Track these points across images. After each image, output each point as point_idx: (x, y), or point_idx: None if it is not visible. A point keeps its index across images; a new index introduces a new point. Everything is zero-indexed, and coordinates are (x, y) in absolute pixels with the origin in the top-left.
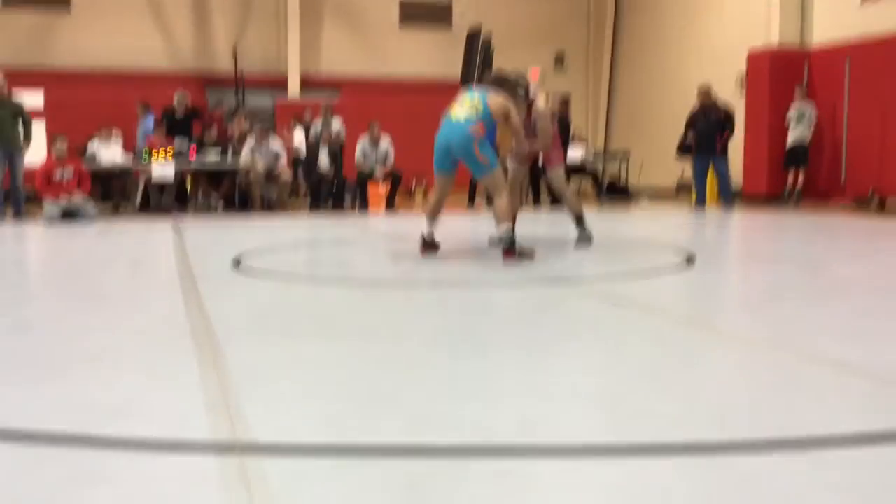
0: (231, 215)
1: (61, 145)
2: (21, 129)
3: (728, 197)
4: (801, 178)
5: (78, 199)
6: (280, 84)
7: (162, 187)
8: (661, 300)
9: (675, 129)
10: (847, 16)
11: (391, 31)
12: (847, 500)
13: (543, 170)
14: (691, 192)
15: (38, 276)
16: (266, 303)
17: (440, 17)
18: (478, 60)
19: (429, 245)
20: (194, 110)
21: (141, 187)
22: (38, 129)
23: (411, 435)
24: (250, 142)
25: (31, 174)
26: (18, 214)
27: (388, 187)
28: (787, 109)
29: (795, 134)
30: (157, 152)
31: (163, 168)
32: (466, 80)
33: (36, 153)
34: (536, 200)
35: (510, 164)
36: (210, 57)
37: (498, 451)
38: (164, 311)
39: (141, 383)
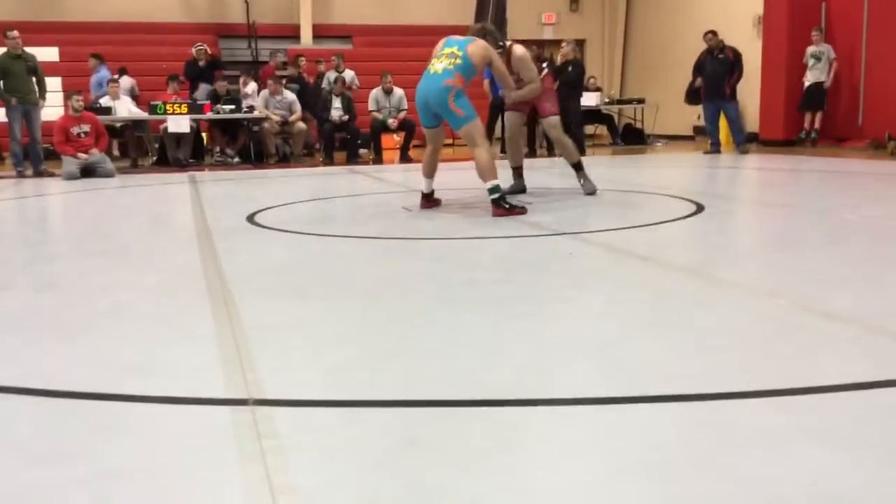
0: (246, 169)
1: (77, 101)
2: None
3: (740, 141)
4: (817, 121)
5: (96, 155)
6: (293, 33)
7: (178, 141)
8: (663, 250)
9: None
10: None
11: None
12: (818, 442)
13: (537, 119)
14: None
15: (59, 234)
16: (279, 258)
17: None
18: (492, 5)
19: (429, 199)
20: (215, 60)
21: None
22: (54, 85)
23: (412, 388)
24: (264, 93)
25: (47, 130)
26: (38, 171)
27: (402, 137)
28: (804, 51)
29: (813, 75)
30: (173, 105)
31: (178, 120)
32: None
33: (52, 110)
34: (531, 151)
35: (507, 116)
36: (222, 7)
37: (493, 402)
38: (182, 267)
39: (160, 339)
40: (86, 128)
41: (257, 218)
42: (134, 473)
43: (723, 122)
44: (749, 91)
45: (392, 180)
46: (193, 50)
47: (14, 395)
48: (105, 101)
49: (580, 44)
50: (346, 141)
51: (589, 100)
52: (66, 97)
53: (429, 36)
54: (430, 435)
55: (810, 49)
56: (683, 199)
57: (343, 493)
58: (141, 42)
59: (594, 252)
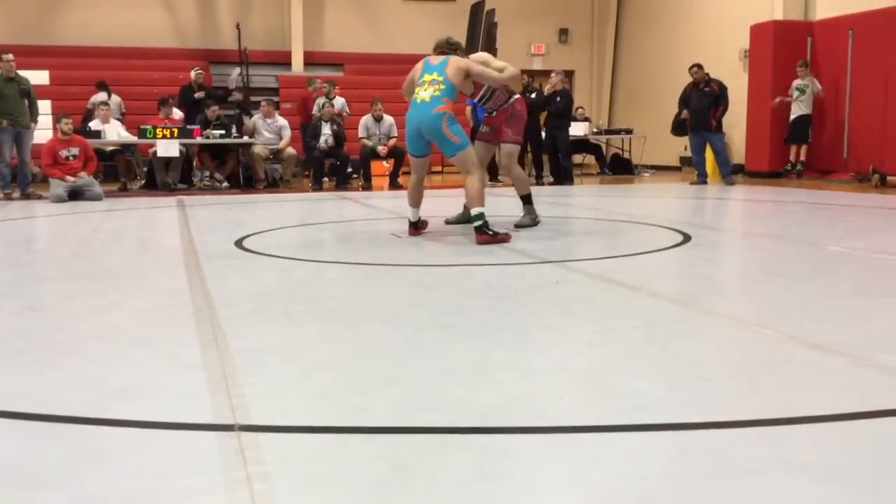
0: (235, 193)
1: (67, 125)
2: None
3: (727, 173)
4: (803, 153)
5: (84, 178)
6: (284, 60)
7: (167, 165)
8: (651, 279)
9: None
10: None
11: (395, 5)
12: (804, 473)
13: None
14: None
15: (47, 256)
16: (267, 282)
17: None
18: (482, 35)
19: (416, 227)
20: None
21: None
22: (44, 108)
23: (400, 414)
24: (256, 116)
25: (36, 152)
26: (26, 193)
27: (392, 164)
28: (789, 84)
29: (797, 108)
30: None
31: (167, 145)
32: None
33: (41, 132)
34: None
35: (477, 144)
36: (214, 33)
37: (480, 430)
38: (169, 291)
39: (146, 363)
40: (75, 151)
41: (246, 242)
42: (117, 500)
43: (709, 154)
44: (735, 123)
45: (381, 206)
46: (193, 73)
47: None
48: (95, 125)
49: (569, 74)
50: (335, 167)
51: (577, 129)
52: (56, 120)
53: None
54: (417, 462)
55: (795, 82)
56: (670, 228)
57: None
58: (132, 67)
59: (581, 280)
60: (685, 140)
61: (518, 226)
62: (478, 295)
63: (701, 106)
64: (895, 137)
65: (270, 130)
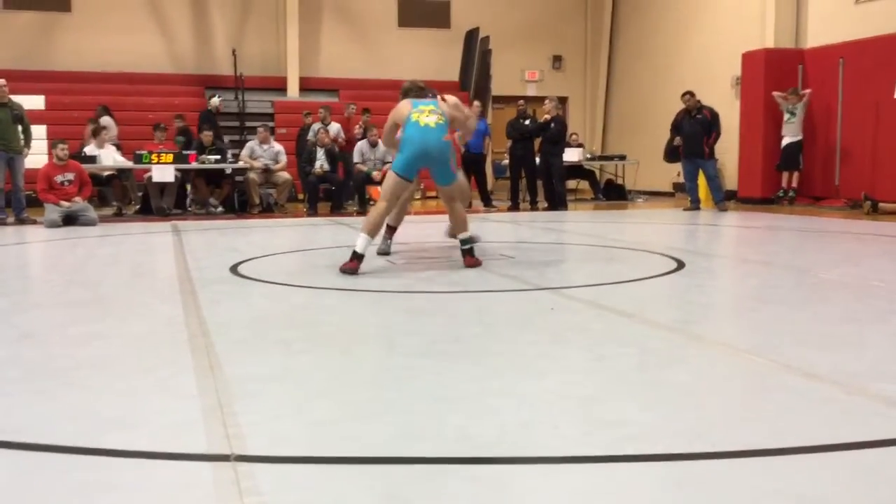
0: (230, 218)
1: (62, 150)
2: (21, 132)
3: (719, 199)
4: (795, 180)
5: (79, 203)
6: (279, 86)
7: (162, 190)
8: (644, 306)
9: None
10: (842, 18)
11: (390, 32)
12: (798, 502)
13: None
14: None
15: (41, 283)
16: (262, 309)
17: (439, 16)
18: (476, 62)
19: (361, 259)
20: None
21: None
22: (39, 133)
23: (396, 443)
24: (251, 142)
25: (31, 177)
26: (20, 218)
27: None
28: (781, 112)
29: (788, 130)
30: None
31: (163, 170)
32: (465, 81)
33: (36, 157)
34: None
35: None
36: (210, 59)
37: (475, 460)
38: (164, 318)
39: (141, 392)
40: (70, 176)
41: (241, 268)
42: None
43: (702, 180)
44: (728, 150)
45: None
46: (217, 99)
47: None
48: (90, 150)
49: (562, 101)
50: (330, 192)
51: (571, 155)
52: (51, 145)
53: None
54: (413, 492)
55: (785, 104)
56: (664, 255)
57: None
58: (127, 92)
59: (575, 307)
60: (678, 166)
61: (450, 235)
62: (473, 322)
63: (694, 132)
64: (886, 164)
65: (266, 156)
